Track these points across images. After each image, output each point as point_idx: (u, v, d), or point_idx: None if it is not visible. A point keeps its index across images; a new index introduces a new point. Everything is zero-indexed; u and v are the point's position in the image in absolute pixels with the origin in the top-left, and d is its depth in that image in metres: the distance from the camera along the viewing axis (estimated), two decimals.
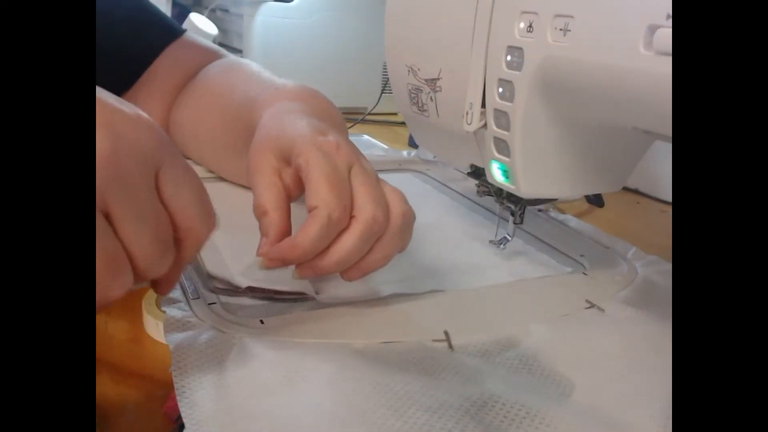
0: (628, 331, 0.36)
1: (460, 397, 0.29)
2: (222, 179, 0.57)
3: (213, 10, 1.12)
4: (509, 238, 0.45)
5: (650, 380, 0.32)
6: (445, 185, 0.63)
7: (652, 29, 0.27)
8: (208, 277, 0.38)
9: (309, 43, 0.98)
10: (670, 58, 0.26)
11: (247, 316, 0.35)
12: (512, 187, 0.40)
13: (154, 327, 0.35)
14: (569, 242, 0.49)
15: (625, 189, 0.72)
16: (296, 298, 0.37)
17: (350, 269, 0.34)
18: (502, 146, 0.38)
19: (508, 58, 0.35)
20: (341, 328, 0.34)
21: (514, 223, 0.45)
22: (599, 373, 0.32)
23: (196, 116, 0.57)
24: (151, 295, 0.37)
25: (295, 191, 0.36)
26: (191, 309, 0.35)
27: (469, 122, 0.39)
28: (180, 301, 0.36)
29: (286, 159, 0.36)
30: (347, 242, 0.33)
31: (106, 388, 0.31)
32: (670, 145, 0.25)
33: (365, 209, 0.33)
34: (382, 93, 0.98)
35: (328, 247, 0.33)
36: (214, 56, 0.63)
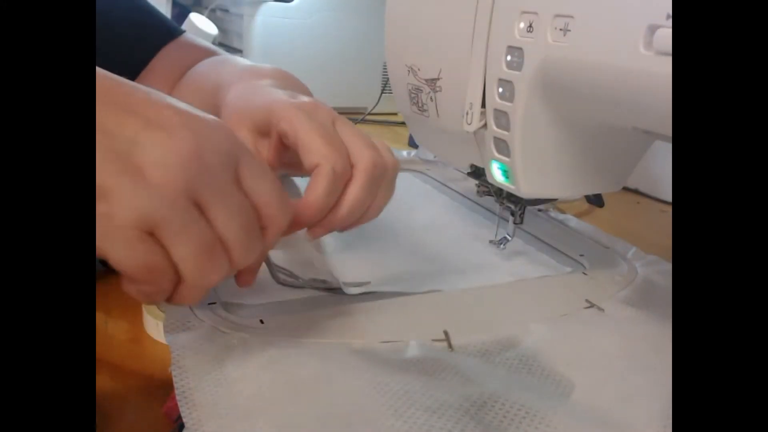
0: (628, 331, 0.36)
1: (459, 396, 0.29)
2: None
3: (213, 10, 1.12)
4: (509, 238, 0.45)
5: (650, 380, 0.32)
6: (445, 185, 0.63)
7: (652, 29, 0.27)
8: (276, 269, 0.38)
9: (309, 43, 0.98)
10: (670, 58, 0.26)
11: (247, 316, 0.35)
12: (512, 187, 0.40)
13: (154, 327, 0.35)
14: (569, 242, 0.49)
15: (625, 189, 0.72)
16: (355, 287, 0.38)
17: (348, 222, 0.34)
18: (502, 146, 0.38)
19: (508, 58, 0.35)
20: (340, 328, 0.34)
21: (514, 223, 0.45)
22: (599, 373, 0.32)
23: None
24: None
25: (277, 161, 0.35)
26: (191, 309, 0.35)
27: (469, 122, 0.39)
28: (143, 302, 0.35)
29: (261, 131, 0.36)
30: (355, 192, 0.33)
31: (106, 388, 0.31)
32: (670, 145, 0.25)
33: (364, 156, 0.33)
34: (382, 93, 0.98)
35: (337, 202, 0.33)
36: (211, 55, 0.63)
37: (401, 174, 0.65)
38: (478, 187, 0.46)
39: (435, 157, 0.70)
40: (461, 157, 0.45)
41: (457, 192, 0.61)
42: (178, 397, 0.27)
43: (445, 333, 0.34)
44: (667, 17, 0.26)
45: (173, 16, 1.10)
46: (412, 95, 0.46)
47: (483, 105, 0.38)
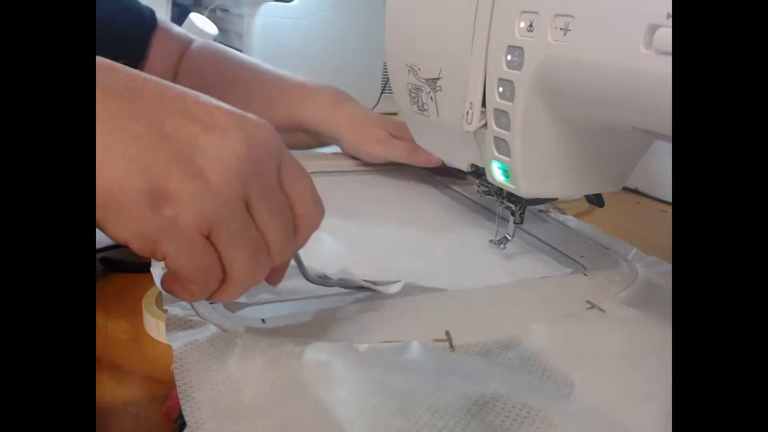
0: (628, 332, 0.36)
1: (462, 396, 0.29)
2: None
3: (213, 10, 1.12)
4: (509, 238, 0.45)
5: (651, 380, 0.32)
6: (447, 186, 0.63)
7: (652, 29, 0.27)
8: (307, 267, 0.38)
9: (309, 43, 0.98)
10: (670, 58, 0.26)
11: (249, 315, 0.35)
12: (512, 186, 0.40)
13: (154, 327, 0.35)
14: (570, 243, 0.49)
15: (625, 189, 0.72)
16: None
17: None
18: (502, 146, 0.38)
19: (509, 57, 0.35)
20: (342, 328, 0.34)
21: (514, 223, 0.45)
22: (600, 373, 0.32)
23: None
24: (150, 295, 0.37)
25: None
26: (193, 308, 0.34)
27: (469, 122, 0.39)
28: (182, 300, 0.35)
29: None
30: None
31: (106, 388, 0.31)
32: (670, 145, 0.25)
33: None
34: (382, 93, 0.98)
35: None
36: (187, 42, 0.67)
37: (402, 174, 0.66)
38: (478, 186, 0.46)
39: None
40: (461, 157, 0.45)
41: (458, 192, 0.61)
42: (180, 396, 0.27)
43: (447, 333, 0.34)
44: (667, 17, 0.26)
45: (173, 16, 1.10)
46: (413, 95, 0.46)
47: (483, 104, 0.38)
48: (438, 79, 0.42)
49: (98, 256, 0.44)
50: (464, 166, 0.45)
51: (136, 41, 0.62)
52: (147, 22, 0.64)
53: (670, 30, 0.26)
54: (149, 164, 0.23)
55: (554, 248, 0.48)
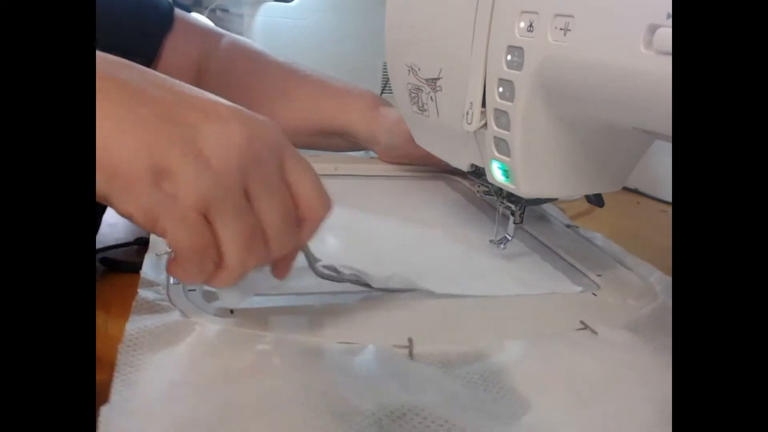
0: (615, 357, 0.33)
1: (377, 405, 0.27)
2: None
3: (213, 10, 1.12)
4: (509, 238, 0.45)
5: (622, 410, 0.29)
6: (448, 185, 0.63)
7: (652, 29, 0.27)
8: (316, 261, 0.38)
9: (309, 43, 0.98)
10: (670, 58, 0.26)
11: (221, 305, 0.34)
12: (512, 186, 0.40)
13: None
14: (589, 260, 0.46)
15: (625, 189, 0.72)
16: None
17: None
18: (502, 146, 0.38)
19: (509, 57, 0.35)
20: (304, 324, 0.34)
21: (514, 223, 0.45)
22: (564, 398, 0.30)
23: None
24: None
25: None
26: (167, 293, 0.35)
27: (469, 122, 0.39)
28: (159, 285, 0.36)
29: None
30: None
31: (106, 387, 0.31)
32: (670, 145, 0.25)
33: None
34: (382, 93, 0.98)
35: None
36: (214, 39, 0.65)
37: (402, 174, 0.66)
38: (478, 187, 0.46)
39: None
40: (461, 157, 0.45)
41: (459, 192, 0.61)
42: (115, 373, 0.27)
43: (410, 340, 0.32)
44: (667, 17, 0.26)
45: None
46: (413, 95, 0.46)
47: (483, 104, 0.38)
48: (438, 79, 0.42)
49: (98, 256, 0.44)
50: (464, 166, 0.45)
51: (147, 38, 0.61)
52: (163, 17, 0.62)
53: (670, 30, 0.26)
54: (154, 145, 0.25)
55: (571, 265, 0.46)
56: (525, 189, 0.39)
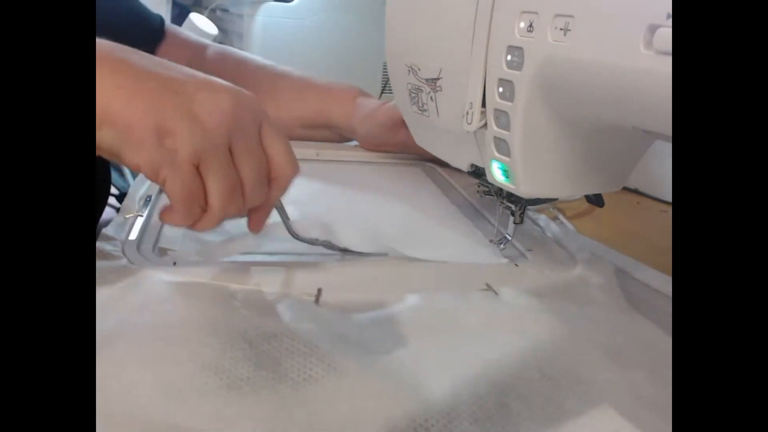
0: (500, 313, 0.36)
1: (256, 330, 0.31)
2: None
3: (213, 10, 1.12)
4: (509, 238, 0.45)
5: (491, 354, 0.31)
6: (454, 187, 0.63)
7: (652, 29, 0.27)
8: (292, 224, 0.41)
9: (309, 43, 0.98)
10: (670, 58, 0.26)
11: (176, 257, 0.39)
12: (512, 186, 0.40)
13: None
14: (526, 237, 0.48)
15: (625, 189, 0.72)
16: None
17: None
18: (502, 146, 0.38)
19: (509, 57, 0.35)
20: (233, 275, 0.37)
21: (514, 222, 0.45)
22: (440, 339, 0.33)
23: None
24: None
25: None
26: (122, 247, 0.39)
27: (469, 122, 0.39)
28: (117, 240, 0.40)
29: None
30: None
31: None
32: (670, 145, 0.25)
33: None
34: (382, 93, 0.98)
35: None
36: (201, 48, 0.70)
37: (379, 161, 0.68)
38: (478, 186, 0.46)
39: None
40: (461, 157, 0.45)
41: (431, 177, 0.63)
42: None
43: (319, 290, 0.36)
44: (667, 17, 0.26)
45: (173, 16, 1.10)
46: (412, 95, 0.46)
47: (483, 105, 0.38)
48: (438, 79, 0.42)
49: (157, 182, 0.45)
50: (464, 167, 0.45)
51: (141, 49, 0.63)
52: (155, 30, 0.66)
53: (670, 30, 0.26)
54: (158, 109, 0.30)
55: (508, 239, 0.47)
56: (525, 189, 0.39)
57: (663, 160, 0.68)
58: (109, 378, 0.26)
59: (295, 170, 0.36)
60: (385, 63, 0.77)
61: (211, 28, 1.03)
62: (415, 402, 0.27)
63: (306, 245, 0.41)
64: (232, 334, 0.30)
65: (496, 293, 0.38)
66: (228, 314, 0.32)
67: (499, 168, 0.40)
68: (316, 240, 0.42)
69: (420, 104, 0.45)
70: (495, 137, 0.39)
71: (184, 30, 0.73)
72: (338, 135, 0.70)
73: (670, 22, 0.26)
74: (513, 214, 0.44)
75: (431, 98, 0.43)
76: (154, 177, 0.31)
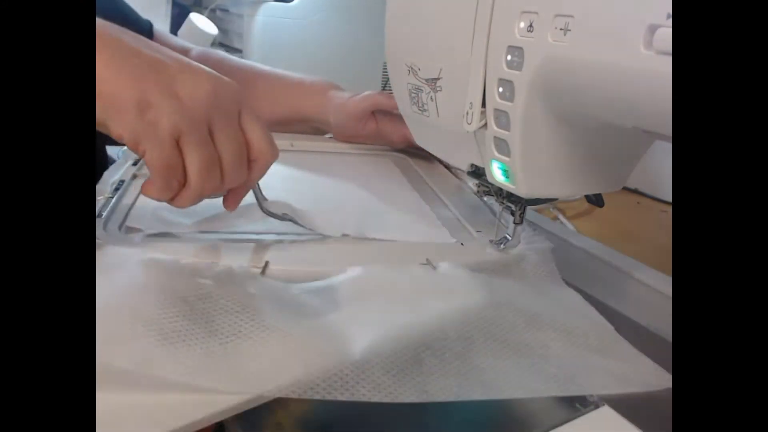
0: (434, 284, 0.37)
1: (196, 292, 0.33)
2: None
3: (213, 10, 1.12)
4: (509, 238, 0.45)
5: (416, 316, 0.33)
6: (424, 182, 0.64)
7: (652, 29, 0.27)
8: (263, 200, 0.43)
9: (309, 43, 0.98)
10: (670, 58, 0.26)
11: (148, 236, 0.40)
12: (512, 186, 0.40)
13: None
14: (477, 218, 0.50)
15: (625, 189, 0.72)
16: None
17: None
18: (502, 146, 0.38)
19: (509, 57, 0.35)
20: (195, 249, 0.38)
21: (514, 222, 0.45)
22: (374, 304, 0.34)
23: None
24: None
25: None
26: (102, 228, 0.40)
27: (469, 122, 0.39)
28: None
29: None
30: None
31: None
32: (670, 145, 0.25)
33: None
34: None
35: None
36: (185, 51, 0.72)
37: (352, 151, 0.69)
38: (478, 186, 0.46)
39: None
40: (461, 157, 0.45)
41: (399, 167, 0.63)
42: None
43: (266, 263, 0.37)
44: (667, 17, 0.26)
45: (173, 16, 1.10)
46: (412, 95, 0.46)
47: (483, 105, 0.38)
48: (438, 79, 0.42)
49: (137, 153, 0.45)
50: (464, 166, 0.45)
51: None
52: (143, 34, 0.67)
53: (670, 30, 0.26)
54: (142, 85, 0.32)
55: (459, 221, 0.50)
56: (525, 189, 0.39)
57: (663, 160, 0.68)
58: None
59: (274, 153, 0.38)
60: (385, 63, 0.77)
61: (211, 28, 1.03)
62: (334, 356, 0.29)
63: (271, 229, 0.43)
64: (173, 296, 0.32)
65: (434, 267, 0.39)
66: (174, 280, 0.34)
67: (499, 168, 0.40)
68: (285, 215, 0.43)
69: (420, 104, 0.45)
70: (495, 137, 0.39)
71: (171, 35, 0.75)
72: (314, 128, 0.72)
73: (670, 22, 0.26)
74: (513, 214, 0.44)
75: (431, 98, 0.43)
76: (135, 147, 0.33)
